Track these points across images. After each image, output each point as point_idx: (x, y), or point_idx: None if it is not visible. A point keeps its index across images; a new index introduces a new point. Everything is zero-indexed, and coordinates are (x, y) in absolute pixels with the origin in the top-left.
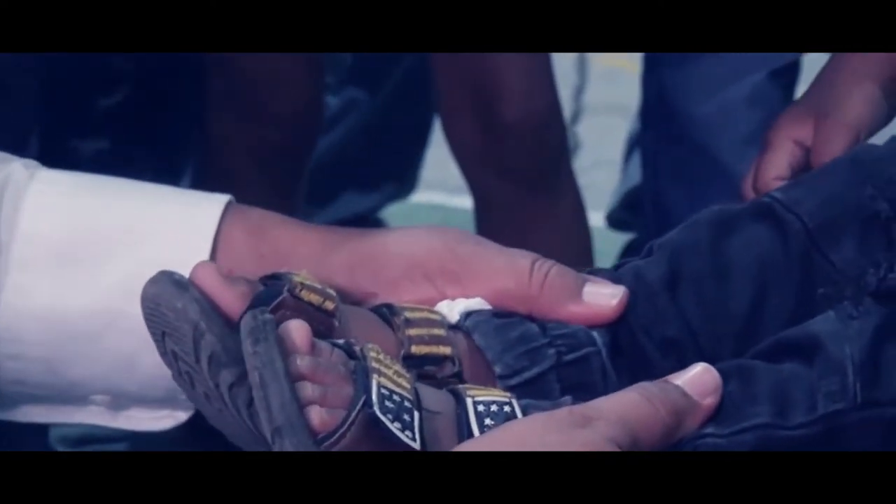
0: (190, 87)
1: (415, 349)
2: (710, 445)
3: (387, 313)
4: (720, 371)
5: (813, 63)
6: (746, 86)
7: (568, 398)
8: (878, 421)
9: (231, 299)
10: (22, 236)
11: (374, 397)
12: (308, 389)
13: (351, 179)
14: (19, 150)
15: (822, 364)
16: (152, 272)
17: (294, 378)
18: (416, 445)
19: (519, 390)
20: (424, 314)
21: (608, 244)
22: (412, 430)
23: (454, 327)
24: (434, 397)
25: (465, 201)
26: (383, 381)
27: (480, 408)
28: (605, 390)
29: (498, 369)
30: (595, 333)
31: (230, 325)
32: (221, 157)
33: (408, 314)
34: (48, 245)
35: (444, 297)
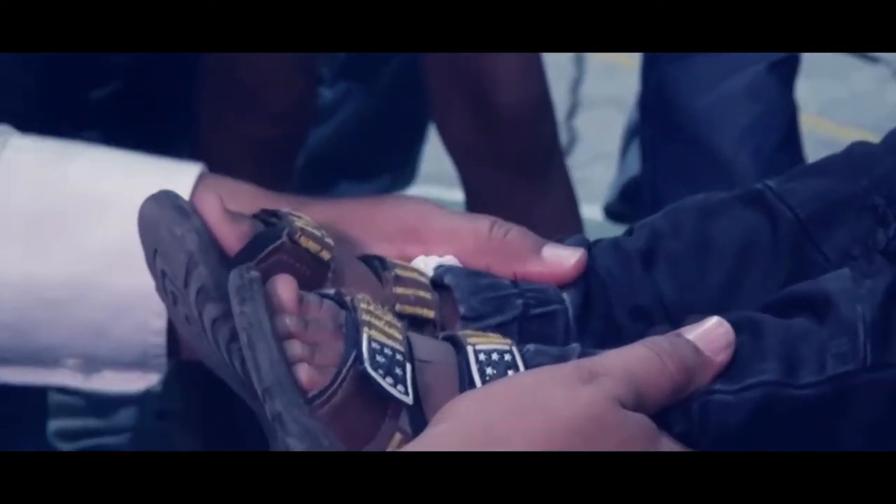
0: (182, 79)
1: (399, 308)
2: (718, 403)
3: (378, 266)
4: (730, 323)
5: (807, 56)
6: (745, 78)
7: (576, 346)
8: (887, 383)
9: (230, 236)
10: None
11: (364, 352)
12: (297, 348)
13: (347, 171)
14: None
15: (832, 323)
16: (125, 243)
17: (282, 337)
18: (409, 400)
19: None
20: (414, 274)
21: (606, 237)
22: (404, 385)
23: (437, 286)
24: (427, 346)
25: (462, 195)
26: (374, 333)
27: (482, 356)
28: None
29: (462, 309)
30: (565, 294)
31: (225, 261)
32: (213, 148)
33: (398, 271)
34: (21, 212)
35: (402, 256)
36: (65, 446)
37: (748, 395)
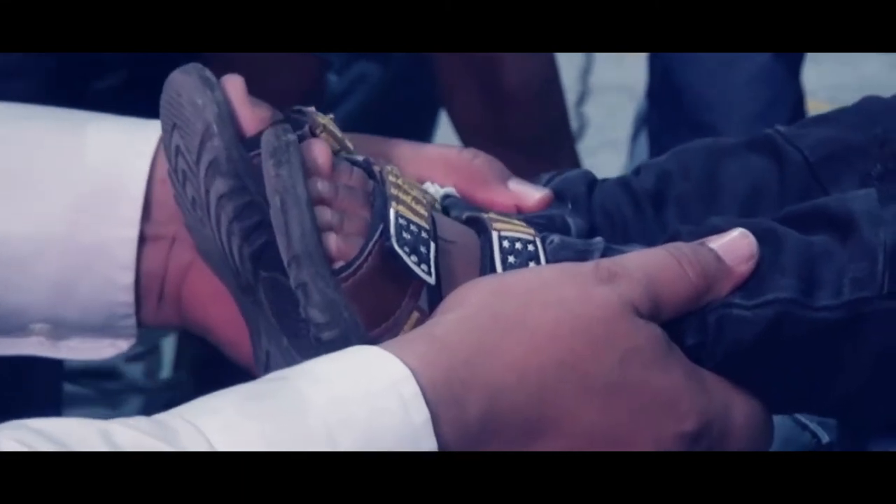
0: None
1: None
2: (735, 318)
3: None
4: (752, 232)
5: None
6: (752, 65)
7: (600, 239)
8: None
9: (250, 117)
10: None
11: (391, 228)
12: (327, 215)
13: None
14: None
15: (853, 245)
16: (86, 196)
17: (314, 202)
18: (431, 280)
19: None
20: (429, 197)
21: None
22: (427, 264)
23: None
24: (451, 227)
25: None
26: (401, 209)
27: (506, 244)
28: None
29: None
30: (570, 220)
31: (241, 138)
32: None
33: (399, 181)
34: None
35: None
36: None
37: (764, 311)
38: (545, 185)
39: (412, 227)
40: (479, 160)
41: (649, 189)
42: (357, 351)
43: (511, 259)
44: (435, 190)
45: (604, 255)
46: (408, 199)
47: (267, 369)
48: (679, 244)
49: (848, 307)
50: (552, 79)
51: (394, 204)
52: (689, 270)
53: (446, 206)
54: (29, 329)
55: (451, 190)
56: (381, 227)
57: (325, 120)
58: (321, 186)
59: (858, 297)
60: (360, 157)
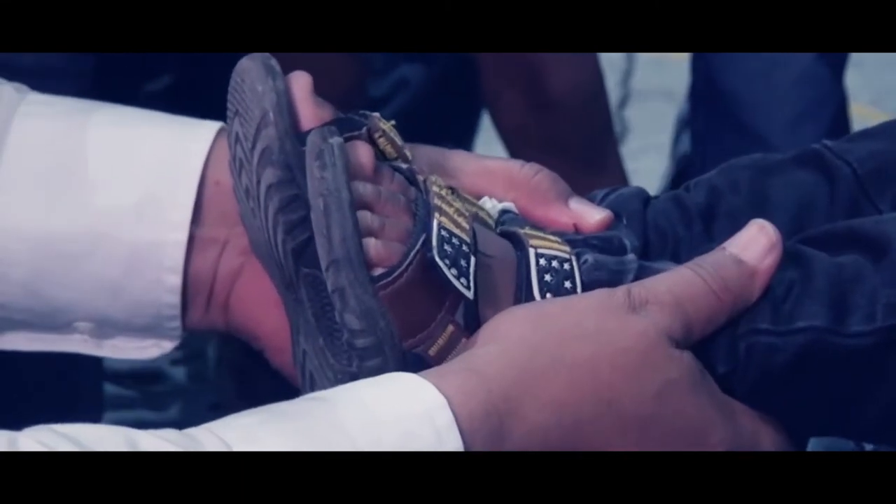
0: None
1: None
2: (764, 345)
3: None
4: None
5: None
6: (795, 67)
7: (632, 257)
8: None
9: (310, 116)
10: (10, 156)
11: (433, 239)
12: (368, 219)
13: None
14: None
15: (886, 268)
16: (139, 195)
17: (357, 206)
18: (470, 294)
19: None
20: (483, 214)
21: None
22: (467, 278)
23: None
24: (491, 241)
25: None
26: (444, 220)
27: (542, 262)
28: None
29: None
30: (627, 241)
31: (296, 131)
32: None
33: (443, 192)
34: (36, 166)
35: None
36: None
37: (795, 339)
38: (601, 202)
39: (454, 240)
40: (540, 176)
41: (700, 203)
42: (394, 377)
43: (547, 277)
44: (492, 205)
45: (637, 274)
46: (451, 210)
47: (303, 368)
48: (700, 259)
49: (881, 333)
50: (598, 87)
51: (437, 215)
52: (714, 286)
53: (503, 221)
54: (73, 327)
55: (509, 205)
56: (424, 237)
57: (387, 126)
58: (363, 189)
59: (892, 324)
60: (403, 165)
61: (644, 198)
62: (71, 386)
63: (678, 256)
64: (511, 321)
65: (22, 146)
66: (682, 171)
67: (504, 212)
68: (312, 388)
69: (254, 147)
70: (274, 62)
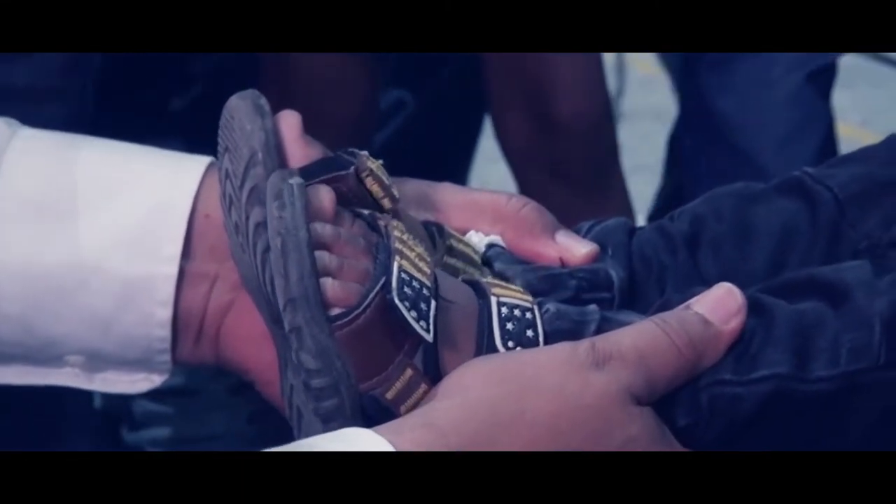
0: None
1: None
2: (728, 396)
3: (435, 232)
4: None
5: (848, 66)
6: (784, 88)
7: (594, 307)
8: None
9: (299, 156)
10: (2, 192)
11: (393, 281)
12: (326, 259)
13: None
14: None
15: (848, 314)
16: (130, 229)
17: (315, 246)
18: (429, 337)
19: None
20: (468, 250)
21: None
22: (427, 321)
23: (486, 265)
24: (453, 287)
25: None
26: (405, 264)
27: (504, 310)
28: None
29: (518, 284)
30: (613, 273)
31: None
32: None
33: (453, 242)
34: (27, 199)
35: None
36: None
37: (758, 388)
38: (586, 234)
39: (414, 283)
40: (527, 209)
41: (684, 231)
42: (349, 433)
43: (509, 325)
44: (479, 239)
45: (599, 326)
46: (412, 254)
47: (290, 402)
48: (666, 315)
49: (844, 378)
50: (605, 112)
51: (397, 258)
52: (678, 342)
53: (489, 256)
54: (64, 360)
55: (496, 239)
56: (384, 279)
57: (374, 165)
58: (322, 230)
59: (855, 369)
60: (364, 211)
61: (629, 229)
62: (60, 416)
63: (664, 284)
64: (473, 374)
65: (13, 181)
66: (671, 193)
67: (491, 245)
68: (300, 423)
69: (242, 185)
70: (264, 101)
